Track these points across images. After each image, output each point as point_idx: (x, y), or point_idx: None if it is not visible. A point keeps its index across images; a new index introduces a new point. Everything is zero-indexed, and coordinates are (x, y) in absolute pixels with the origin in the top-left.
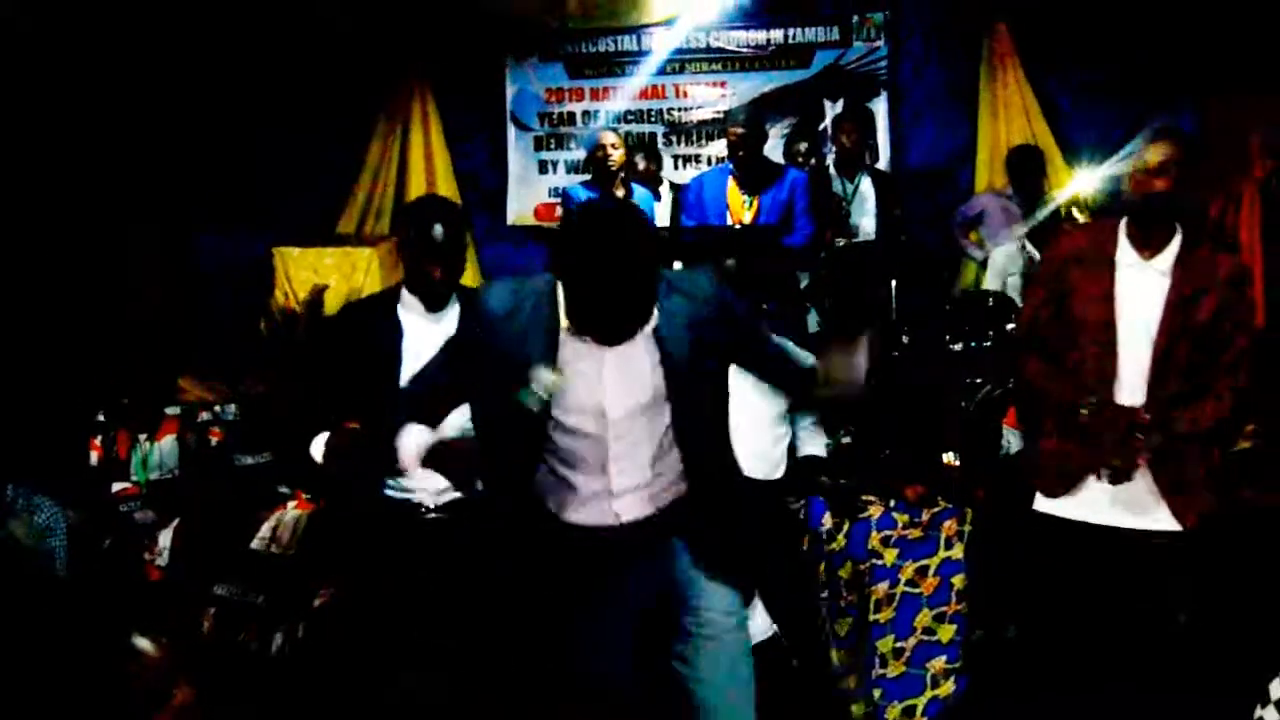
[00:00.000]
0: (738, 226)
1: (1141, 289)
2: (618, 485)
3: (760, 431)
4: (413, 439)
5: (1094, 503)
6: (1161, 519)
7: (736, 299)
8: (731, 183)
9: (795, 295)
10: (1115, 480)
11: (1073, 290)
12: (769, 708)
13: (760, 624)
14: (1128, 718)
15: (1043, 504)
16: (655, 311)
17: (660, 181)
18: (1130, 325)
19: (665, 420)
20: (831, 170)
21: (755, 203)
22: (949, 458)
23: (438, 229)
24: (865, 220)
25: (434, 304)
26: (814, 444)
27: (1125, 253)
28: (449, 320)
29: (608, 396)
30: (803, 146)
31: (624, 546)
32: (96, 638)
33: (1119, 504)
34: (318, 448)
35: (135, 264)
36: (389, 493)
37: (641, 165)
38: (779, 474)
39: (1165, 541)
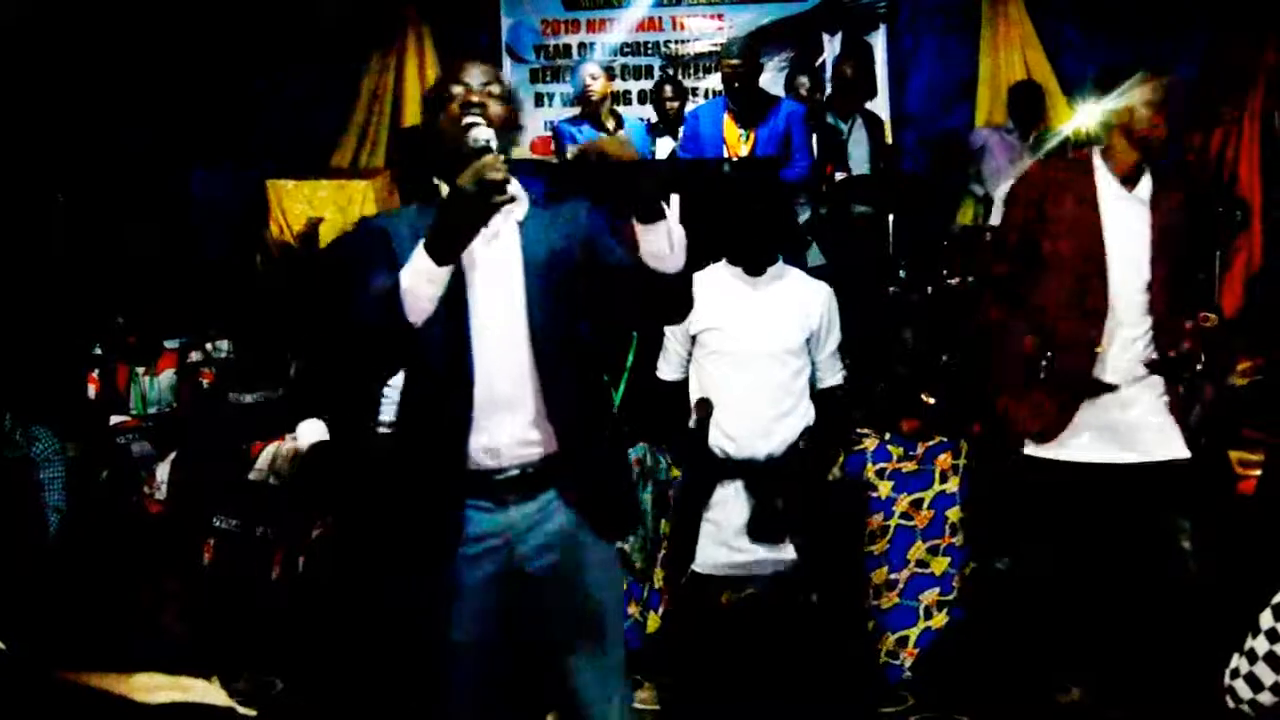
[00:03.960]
0: (735, 159)
1: (1127, 220)
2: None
3: (767, 404)
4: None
5: (1083, 441)
6: (1152, 450)
7: (602, 226)
8: (727, 116)
9: (796, 230)
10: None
11: (1053, 227)
12: (790, 638)
13: (787, 553)
14: (1119, 651)
15: (1032, 448)
16: (523, 204)
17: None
18: (1119, 257)
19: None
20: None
21: (751, 136)
22: (926, 397)
23: None
24: (859, 153)
25: None
26: (834, 374)
27: (1108, 184)
28: None
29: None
30: (805, 80)
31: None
32: (94, 566)
33: (1108, 440)
34: (306, 435)
35: (131, 199)
36: (380, 430)
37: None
38: (807, 421)
39: (1161, 473)
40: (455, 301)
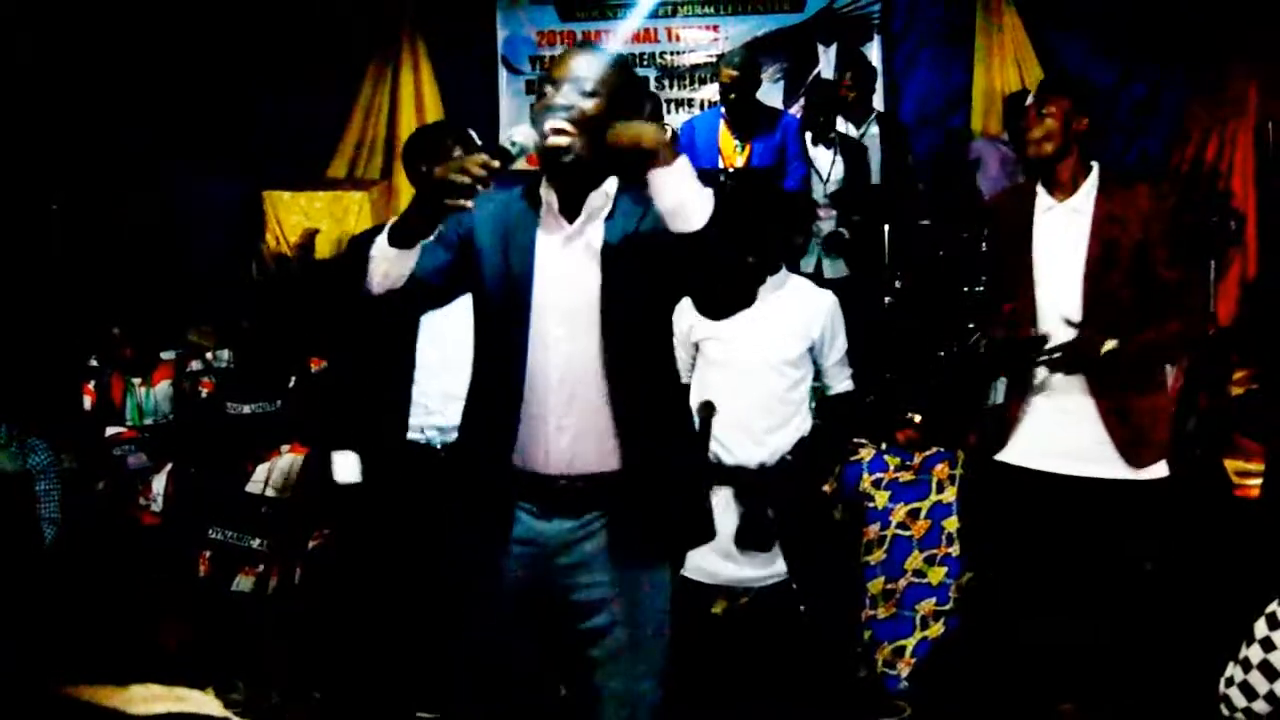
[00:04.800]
0: (730, 170)
1: (1056, 229)
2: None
3: (762, 414)
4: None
5: (1048, 451)
6: (1117, 467)
7: None
8: (723, 126)
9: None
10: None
11: (999, 244)
12: (777, 652)
13: (778, 567)
14: (1115, 659)
15: (1002, 454)
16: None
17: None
18: (1049, 265)
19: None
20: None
21: (748, 147)
22: (914, 416)
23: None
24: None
25: None
26: (842, 380)
27: (1041, 200)
28: None
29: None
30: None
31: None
32: (90, 578)
33: (1075, 452)
34: (343, 471)
35: (125, 209)
36: (410, 435)
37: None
38: (801, 433)
39: (1122, 489)
40: (519, 295)
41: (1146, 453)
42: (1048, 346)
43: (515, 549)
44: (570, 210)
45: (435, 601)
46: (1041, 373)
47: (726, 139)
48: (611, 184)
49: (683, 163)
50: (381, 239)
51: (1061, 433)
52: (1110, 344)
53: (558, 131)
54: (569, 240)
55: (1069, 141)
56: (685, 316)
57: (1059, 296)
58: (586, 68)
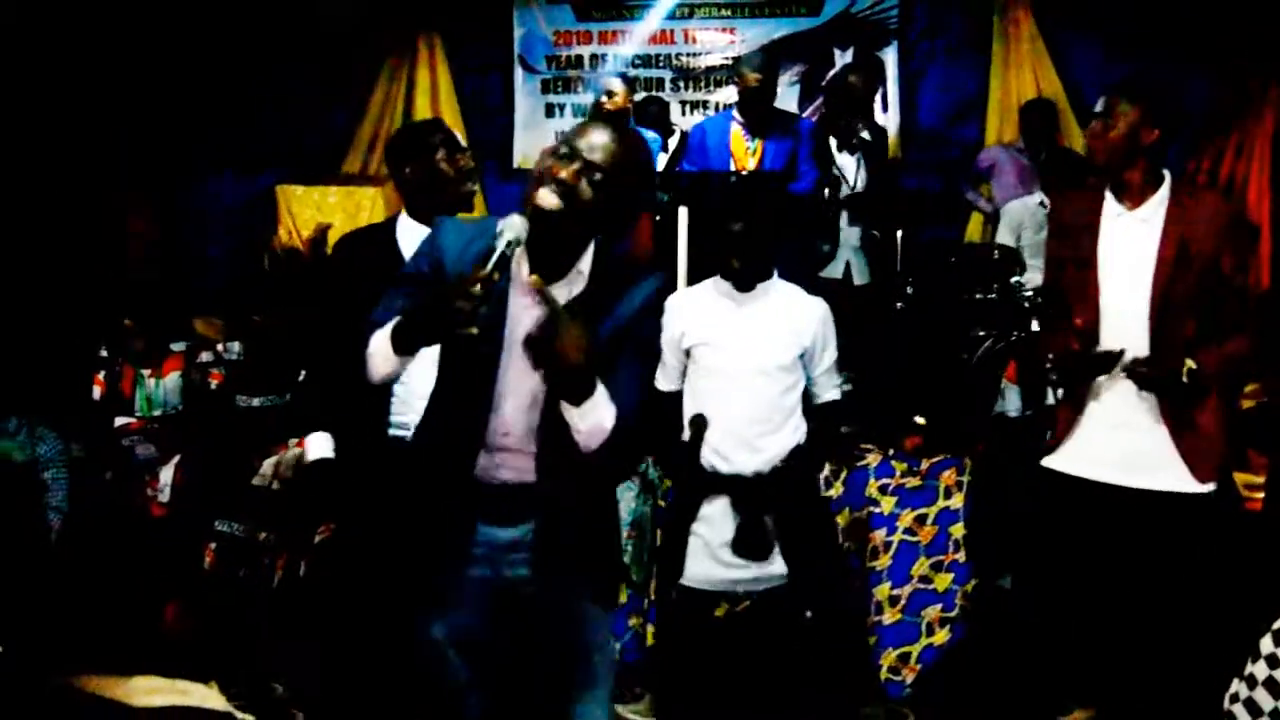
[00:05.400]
0: (741, 173)
1: (1124, 237)
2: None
3: (755, 420)
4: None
5: (1103, 461)
6: (1169, 479)
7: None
8: (735, 129)
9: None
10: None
11: (1065, 255)
12: (782, 655)
13: (776, 569)
14: (1122, 671)
15: (1050, 460)
16: (586, 277)
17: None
18: (1116, 273)
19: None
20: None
21: (759, 146)
22: (919, 419)
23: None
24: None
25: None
26: (830, 389)
27: (1110, 206)
28: None
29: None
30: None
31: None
32: (96, 568)
33: (1128, 463)
34: (315, 448)
35: (137, 201)
36: (391, 431)
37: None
38: (797, 439)
39: (1174, 502)
40: (487, 344)
41: (1210, 465)
42: (1127, 363)
43: (478, 550)
44: (539, 271)
45: (413, 601)
46: (1099, 381)
47: (739, 141)
48: (586, 261)
49: (594, 402)
50: (384, 341)
51: (1120, 443)
52: (1189, 364)
53: (543, 210)
54: (540, 302)
55: (1135, 153)
56: (676, 323)
57: (1125, 304)
58: (602, 152)
